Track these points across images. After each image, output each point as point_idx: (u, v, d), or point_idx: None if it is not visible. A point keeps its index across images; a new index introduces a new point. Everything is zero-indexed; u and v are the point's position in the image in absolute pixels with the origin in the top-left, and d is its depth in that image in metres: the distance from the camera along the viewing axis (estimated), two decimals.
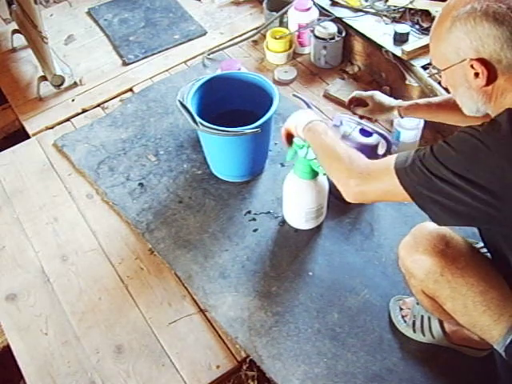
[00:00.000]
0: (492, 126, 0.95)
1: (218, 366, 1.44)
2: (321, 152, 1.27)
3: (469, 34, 0.97)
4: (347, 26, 2.15)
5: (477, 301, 1.12)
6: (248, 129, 1.59)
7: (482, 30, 0.95)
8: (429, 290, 1.19)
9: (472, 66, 0.98)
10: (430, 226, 1.18)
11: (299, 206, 1.61)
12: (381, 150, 1.75)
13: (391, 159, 1.07)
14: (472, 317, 1.14)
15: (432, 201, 1.00)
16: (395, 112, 1.53)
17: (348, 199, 1.17)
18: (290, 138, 1.45)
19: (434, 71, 1.10)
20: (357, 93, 1.61)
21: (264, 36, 2.32)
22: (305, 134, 1.33)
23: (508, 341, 1.09)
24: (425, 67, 1.87)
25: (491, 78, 0.99)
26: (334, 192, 1.67)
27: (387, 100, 1.56)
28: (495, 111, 1.02)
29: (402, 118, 1.55)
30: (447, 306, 1.18)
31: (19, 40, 2.38)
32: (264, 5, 2.32)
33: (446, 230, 1.18)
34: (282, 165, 1.88)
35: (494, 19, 0.94)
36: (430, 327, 1.41)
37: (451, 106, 1.39)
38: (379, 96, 1.57)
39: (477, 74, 0.99)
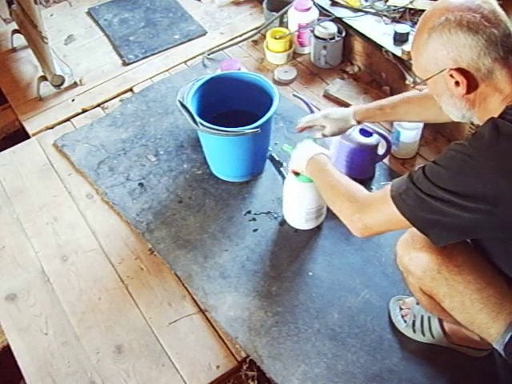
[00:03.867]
0: (476, 138, 0.97)
1: (217, 366, 1.44)
2: (323, 190, 1.33)
3: (445, 44, 1.00)
4: (347, 26, 2.14)
5: (474, 298, 1.12)
6: (248, 129, 1.59)
7: (458, 40, 0.98)
8: (426, 287, 1.19)
9: (451, 76, 1.01)
10: None
11: (299, 206, 1.61)
12: (381, 150, 1.75)
13: (387, 188, 1.09)
14: (470, 314, 1.15)
15: (431, 222, 1.02)
16: (353, 122, 1.53)
17: (357, 235, 1.19)
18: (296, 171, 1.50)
19: (417, 81, 1.13)
20: (307, 120, 1.58)
21: (264, 36, 2.32)
22: (308, 172, 1.40)
23: (506, 339, 1.10)
24: None
25: (472, 86, 1.01)
26: None
27: (341, 115, 1.54)
28: (480, 117, 1.04)
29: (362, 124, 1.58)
30: (445, 304, 1.18)
31: (19, 40, 2.38)
32: (264, 5, 2.32)
33: None
34: (282, 165, 1.87)
35: (469, 29, 0.97)
36: (429, 327, 1.41)
37: (407, 102, 1.43)
38: (332, 114, 1.54)
39: (457, 83, 1.02)
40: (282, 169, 1.86)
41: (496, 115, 0.99)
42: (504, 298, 1.11)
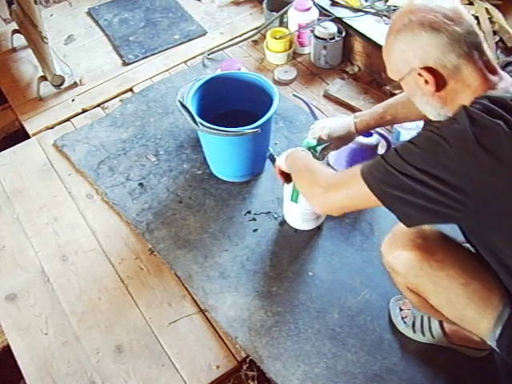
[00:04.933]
0: (450, 122, 0.99)
1: (217, 366, 1.44)
2: (295, 174, 1.35)
3: (411, 45, 1.03)
4: (347, 26, 2.15)
5: (459, 294, 1.13)
6: (248, 129, 1.59)
7: (422, 39, 1.01)
8: (412, 285, 1.20)
9: (420, 75, 1.04)
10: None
11: (299, 207, 1.61)
12: (381, 150, 1.75)
13: (358, 166, 1.10)
14: (457, 310, 1.15)
15: (398, 199, 1.01)
16: (355, 134, 1.53)
17: (317, 209, 1.22)
18: (285, 174, 1.47)
19: (388, 87, 1.17)
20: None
21: (264, 36, 2.32)
22: (286, 165, 1.41)
23: (497, 333, 1.09)
24: None
25: (440, 84, 1.04)
26: None
27: (344, 130, 1.51)
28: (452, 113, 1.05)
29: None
30: (432, 301, 1.19)
31: (19, 40, 2.38)
32: (264, 5, 2.32)
33: (426, 227, 1.20)
34: None
35: (431, 28, 1.00)
36: (429, 327, 1.41)
37: (405, 106, 1.45)
38: (335, 132, 1.51)
39: (426, 81, 1.04)
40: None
41: None
42: (490, 293, 1.11)
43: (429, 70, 1.03)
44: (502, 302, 1.10)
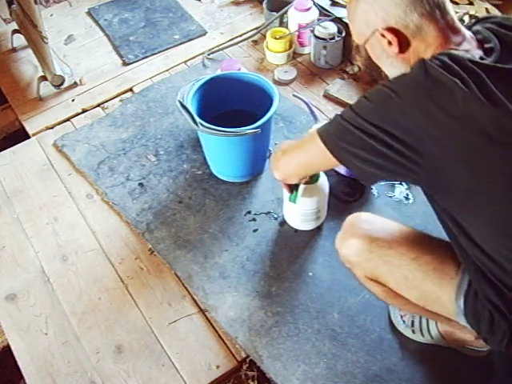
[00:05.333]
0: (403, 76, 0.98)
1: (217, 366, 1.44)
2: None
3: (372, 5, 1.04)
4: (347, 26, 2.14)
5: (413, 268, 1.14)
6: (248, 129, 1.59)
7: None
8: (368, 272, 1.22)
9: (383, 35, 1.04)
10: (356, 214, 1.25)
11: (299, 207, 1.61)
12: None
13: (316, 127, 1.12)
14: (417, 288, 1.16)
15: (353, 155, 1.01)
16: None
17: (275, 173, 1.27)
18: (291, 184, 1.47)
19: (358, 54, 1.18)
20: None
21: (264, 36, 2.32)
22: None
23: (461, 306, 1.10)
24: None
25: (403, 44, 1.03)
26: (334, 193, 1.67)
27: None
28: None
29: None
30: (392, 285, 1.20)
31: (19, 40, 2.38)
32: (264, 5, 2.32)
33: (366, 213, 1.25)
34: None
35: None
36: (428, 328, 1.41)
37: None
38: None
39: (390, 42, 1.04)
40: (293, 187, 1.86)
41: None
42: (443, 264, 1.12)
43: (391, 30, 1.02)
44: (458, 271, 1.11)
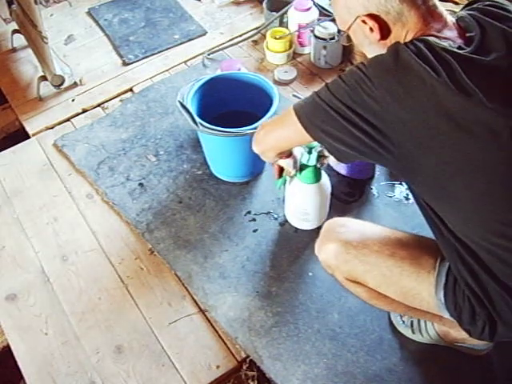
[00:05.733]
0: (376, 60, 0.99)
1: (217, 366, 1.44)
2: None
3: None
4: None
5: (389, 265, 1.15)
6: (248, 129, 1.59)
7: None
8: (347, 274, 1.23)
9: (364, 22, 1.04)
10: (332, 220, 1.27)
11: (301, 208, 1.61)
12: None
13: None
14: (396, 285, 1.17)
15: (327, 134, 1.03)
16: None
17: (254, 148, 1.29)
18: (281, 170, 1.52)
19: (341, 34, 1.16)
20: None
21: (264, 36, 2.32)
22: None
23: (442, 299, 1.11)
24: None
25: (385, 30, 1.04)
26: (334, 193, 1.67)
27: None
28: None
29: None
30: (371, 284, 1.21)
31: (19, 40, 2.38)
32: (264, 5, 2.32)
33: (343, 218, 1.27)
34: None
35: None
36: (426, 328, 1.41)
37: None
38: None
39: (371, 29, 1.04)
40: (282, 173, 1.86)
41: None
42: (419, 259, 1.14)
43: (372, 16, 1.03)
44: (436, 265, 1.12)
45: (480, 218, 0.99)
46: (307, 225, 1.67)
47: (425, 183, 1.01)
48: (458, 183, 0.97)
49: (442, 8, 1.04)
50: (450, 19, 1.04)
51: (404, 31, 1.02)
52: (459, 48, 0.97)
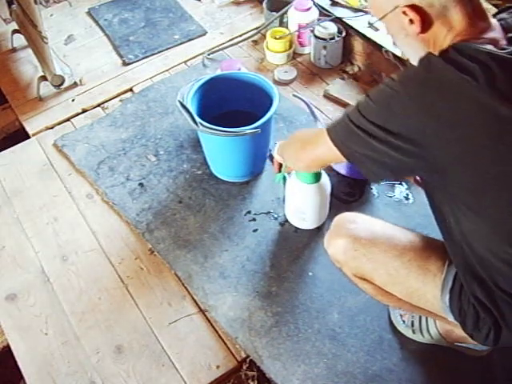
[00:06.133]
0: (406, 73, 0.95)
1: (217, 366, 1.44)
2: (283, 150, 1.38)
3: None
4: (347, 26, 2.14)
5: (396, 265, 1.15)
6: (248, 129, 1.59)
7: None
8: (354, 270, 1.24)
9: (405, 13, 0.97)
10: (342, 215, 1.27)
11: (300, 207, 1.61)
12: None
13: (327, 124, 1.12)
14: (401, 285, 1.17)
15: (360, 155, 1.01)
16: None
17: (299, 166, 1.28)
18: (280, 165, 1.52)
19: (373, 20, 1.11)
20: None
21: (264, 36, 2.32)
22: (279, 153, 1.45)
23: (447, 302, 1.10)
24: None
25: (426, 24, 0.97)
26: (334, 193, 1.67)
27: None
28: None
29: None
30: (377, 281, 1.21)
31: (19, 40, 2.38)
32: (264, 5, 2.32)
33: (352, 213, 1.26)
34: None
35: None
36: (427, 328, 1.41)
37: None
38: None
39: (411, 21, 0.98)
40: (281, 168, 1.86)
41: None
42: (426, 260, 1.13)
43: (414, 8, 0.96)
44: (443, 268, 1.11)
45: (506, 230, 0.97)
46: (306, 224, 1.67)
47: (455, 192, 0.98)
48: (492, 195, 0.94)
49: (486, 7, 0.99)
50: (493, 20, 0.99)
51: (445, 28, 0.97)
52: (502, 49, 0.92)
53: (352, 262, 1.22)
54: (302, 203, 1.60)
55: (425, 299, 1.15)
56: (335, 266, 1.31)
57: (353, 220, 1.24)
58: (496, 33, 0.97)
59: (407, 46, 1.05)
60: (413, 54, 1.04)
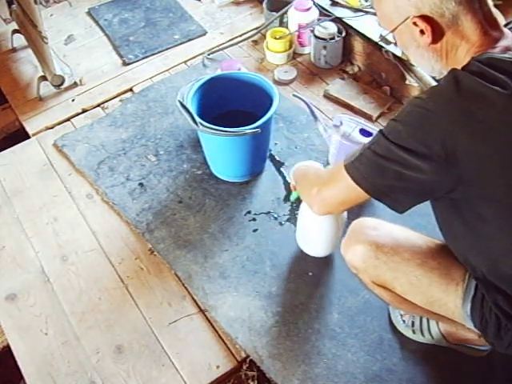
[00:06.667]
0: (435, 91, 0.93)
1: (217, 366, 1.44)
2: (297, 184, 1.33)
3: None
4: (347, 26, 2.15)
5: (418, 274, 1.13)
6: (248, 129, 1.59)
7: None
8: (374, 278, 1.21)
9: (415, 24, 0.97)
10: (360, 220, 1.23)
11: (307, 232, 1.55)
12: None
13: (343, 160, 1.06)
14: (423, 294, 1.15)
15: (386, 188, 0.98)
16: None
17: (314, 211, 1.15)
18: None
19: (385, 33, 1.09)
20: None
21: (264, 36, 2.32)
22: (293, 179, 1.39)
23: (468, 311, 1.09)
24: None
25: (437, 34, 0.97)
26: None
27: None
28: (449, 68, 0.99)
29: None
30: (398, 290, 1.19)
31: (19, 40, 2.38)
32: (264, 5, 2.32)
33: (372, 219, 1.23)
34: (283, 164, 1.88)
35: None
36: (428, 328, 1.41)
37: None
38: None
39: (422, 31, 0.97)
40: (282, 168, 1.86)
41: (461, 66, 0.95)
42: (448, 269, 1.12)
43: (425, 18, 0.96)
44: (465, 277, 1.10)
45: None
46: (310, 250, 1.60)
47: (487, 205, 0.96)
48: None
49: (496, 14, 0.99)
50: (504, 28, 0.99)
51: (458, 38, 0.97)
52: None
53: (372, 270, 1.18)
54: (308, 227, 1.54)
55: (445, 308, 1.14)
56: (351, 272, 1.28)
57: (373, 226, 1.19)
58: (509, 41, 0.96)
59: (419, 57, 1.04)
60: (425, 65, 1.04)
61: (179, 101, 1.65)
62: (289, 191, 1.53)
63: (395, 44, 1.09)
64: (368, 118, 1.99)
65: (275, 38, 2.21)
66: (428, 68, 1.05)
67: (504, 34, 0.97)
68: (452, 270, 1.12)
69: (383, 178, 0.97)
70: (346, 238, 1.24)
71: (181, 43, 2.38)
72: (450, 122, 0.89)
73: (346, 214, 1.51)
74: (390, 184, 0.97)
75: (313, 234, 1.55)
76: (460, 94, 0.89)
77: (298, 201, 1.53)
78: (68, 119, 2.12)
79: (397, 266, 1.15)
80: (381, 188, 0.99)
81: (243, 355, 1.45)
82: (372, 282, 1.23)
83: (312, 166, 1.36)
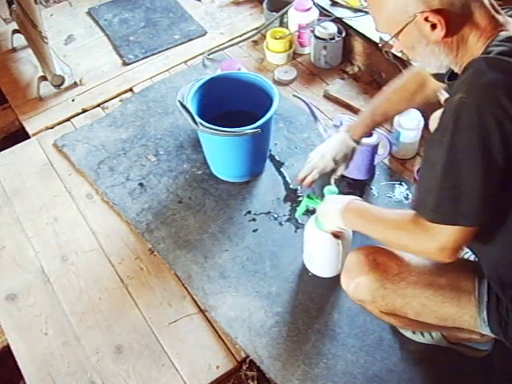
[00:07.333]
0: (472, 81, 0.90)
1: (217, 366, 1.44)
2: (376, 236, 1.16)
3: None
4: (347, 26, 2.15)
5: (429, 295, 1.11)
6: (248, 129, 1.59)
7: None
8: (384, 308, 1.18)
9: (426, 19, 0.93)
10: (355, 250, 1.19)
11: (310, 251, 1.54)
12: (381, 150, 1.75)
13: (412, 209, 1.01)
14: (437, 312, 1.13)
15: (468, 207, 0.93)
16: (354, 145, 1.46)
17: (448, 260, 1.03)
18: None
19: (386, 40, 1.05)
20: (314, 174, 1.46)
21: (264, 36, 2.32)
22: (347, 226, 1.27)
23: (485, 318, 1.08)
24: None
25: (451, 26, 0.94)
26: None
27: (344, 149, 1.46)
28: (459, 61, 0.98)
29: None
30: (411, 315, 1.16)
31: (19, 40, 2.38)
32: (264, 5, 2.32)
33: (368, 247, 1.18)
34: (283, 164, 1.88)
35: None
36: None
37: (392, 100, 1.39)
38: (337, 154, 1.45)
39: (433, 26, 0.94)
40: (282, 169, 1.86)
41: (474, 56, 0.93)
42: (458, 282, 1.10)
43: (436, 11, 0.92)
44: (474, 285, 1.09)
45: None
46: (314, 269, 1.58)
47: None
48: None
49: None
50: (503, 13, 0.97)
51: (469, 26, 0.94)
52: None
53: (381, 300, 1.15)
54: (312, 247, 1.52)
55: (461, 320, 1.12)
56: (355, 303, 1.26)
57: (370, 255, 1.15)
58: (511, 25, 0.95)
59: (428, 54, 1.00)
60: (433, 61, 1.01)
61: (179, 101, 1.65)
62: (295, 205, 1.47)
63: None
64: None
65: (275, 38, 2.21)
66: (437, 64, 1.02)
67: (507, 19, 0.96)
68: (461, 282, 1.10)
69: (465, 201, 0.94)
70: (346, 270, 1.20)
71: (181, 43, 2.38)
72: (496, 109, 0.86)
73: (350, 233, 1.47)
74: (470, 200, 0.93)
75: (317, 256, 1.53)
76: (505, 81, 0.87)
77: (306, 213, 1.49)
78: (68, 119, 2.12)
79: (405, 291, 1.12)
80: (464, 214, 0.94)
81: (243, 355, 1.46)
82: (380, 312, 1.20)
83: (375, 214, 1.17)
